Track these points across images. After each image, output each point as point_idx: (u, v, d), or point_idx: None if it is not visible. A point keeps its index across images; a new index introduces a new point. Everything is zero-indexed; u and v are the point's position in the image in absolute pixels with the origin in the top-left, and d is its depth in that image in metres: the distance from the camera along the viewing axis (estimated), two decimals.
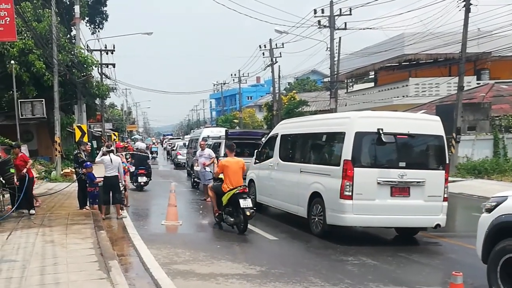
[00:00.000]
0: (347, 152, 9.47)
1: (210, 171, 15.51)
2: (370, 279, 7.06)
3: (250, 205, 10.56)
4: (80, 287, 6.16)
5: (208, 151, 16.50)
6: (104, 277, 6.58)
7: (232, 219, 10.81)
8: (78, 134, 22.01)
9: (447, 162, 10.05)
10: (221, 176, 11.13)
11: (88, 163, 12.81)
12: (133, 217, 12.65)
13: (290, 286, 6.73)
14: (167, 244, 9.37)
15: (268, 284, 6.80)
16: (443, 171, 9.81)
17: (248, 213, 10.34)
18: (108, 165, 12.14)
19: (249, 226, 11.40)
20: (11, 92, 20.56)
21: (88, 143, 15.60)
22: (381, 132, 9.36)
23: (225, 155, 16.22)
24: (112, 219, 12.06)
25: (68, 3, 29.76)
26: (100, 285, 6.25)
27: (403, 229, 10.40)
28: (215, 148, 17.99)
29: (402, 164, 9.58)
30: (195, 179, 20.14)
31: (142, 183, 18.25)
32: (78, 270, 6.92)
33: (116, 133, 48.42)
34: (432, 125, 10.07)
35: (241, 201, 10.50)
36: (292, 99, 44.30)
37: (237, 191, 10.68)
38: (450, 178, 16.83)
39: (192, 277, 7.14)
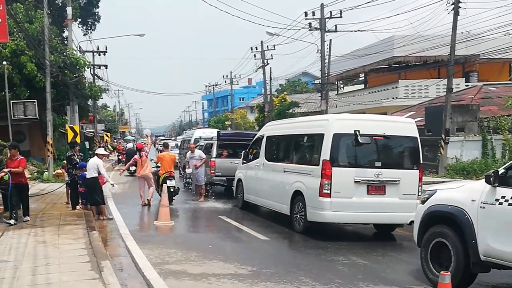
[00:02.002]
0: (325, 153, 9.90)
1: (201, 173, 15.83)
2: (360, 279, 7.16)
3: (173, 184, 14.56)
4: (72, 287, 6.19)
5: (198, 153, 16.60)
6: (96, 277, 6.62)
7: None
8: (70, 135, 21.97)
9: (421, 162, 10.51)
10: (159, 164, 15.44)
11: (83, 163, 13.16)
12: (125, 217, 12.67)
13: (281, 285, 6.80)
14: (159, 244, 9.42)
15: (259, 283, 6.88)
16: (417, 171, 10.31)
17: (172, 190, 14.11)
18: (88, 167, 12.41)
19: (241, 226, 11.63)
20: (3, 93, 20.47)
21: (77, 146, 15.66)
22: (358, 133, 9.78)
23: (218, 155, 16.95)
24: (104, 220, 12.08)
25: (60, 4, 29.66)
26: (92, 285, 6.29)
27: (380, 226, 10.82)
28: (207, 149, 18.05)
29: (378, 164, 10.09)
30: (187, 180, 20.20)
31: (132, 171, 21.11)
32: (70, 271, 6.95)
33: (108, 134, 48.32)
34: (407, 127, 10.59)
35: (168, 181, 14.00)
36: (283, 100, 44.42)
37: (167, 175, 14.57)
38: (439, 179, 17.05)
39: (184, 277, 7.20)
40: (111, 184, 12.38)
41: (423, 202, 7.24)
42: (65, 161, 15.15)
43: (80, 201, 13.01)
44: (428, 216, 6.96)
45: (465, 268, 6.31)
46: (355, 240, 10.48)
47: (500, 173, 6.07)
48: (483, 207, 6.11)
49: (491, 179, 6.05)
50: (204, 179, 16.30)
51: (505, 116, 22.59)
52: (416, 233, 7.24)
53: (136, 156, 15.55)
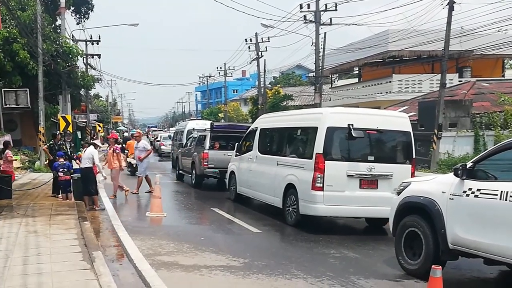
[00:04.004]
0: (319, 146, 9.93)
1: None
2: (351, 272, 7.20)
3: (135, 162, 17.14)
4: (64, 277, 6.15)
5: (143, 143, 16.31)
6: (88, 267, 6.60)
7: None
8: (62, 124, 21.86)
9: (414, 157, 10.61)
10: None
11: (61, 152, 13.39)
12: (117, 208, 12.67)
13: (273, 278, 6.83)
14: (151, 235, 9.43)
15: (251, 276, 6.91)
16: (410, 165, 10.40)
17: (134, 165, 17.89)
18: (83, 157, 12.51)
19: (233, 219, 11.67)
20: None
21: (60, 135, 15.80)
22: (351, 127, 9.80)
23: (211, 147, 17.01)
24: (96, 210, 12.05)
25: None
26: (83, 275, 6.27)
27: (372, 220, 10.87)
28: (200, 140, 18.05)
29: (371, 158, 10.13)
30: (180, 171, 20.21)
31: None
32: (62, 261, 6.93)
33: (101, 124, 48.09)
34: (400, 122, 10.62)
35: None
36: (276, 93, 44.39)
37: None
38: (431, 174, 17.12)
39: (176, 268, 7.21)
40: (103, 177, 12.29)
41: (398, 193, 7.57)
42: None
43: (60, 188, 13.11)
44: (403, 206, 7.32)
45: (434, 256, 6.60)
46: (346, 234, 10.53)
47: (468, 166, 6.36)
48: (452, 199, 6.43)
49: (459, 172, 6.36)
50: (144, 171, 15.89)
51: (498, 112, 22.74)
52: (391, 222, 7.61)
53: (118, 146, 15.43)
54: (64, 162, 13.02)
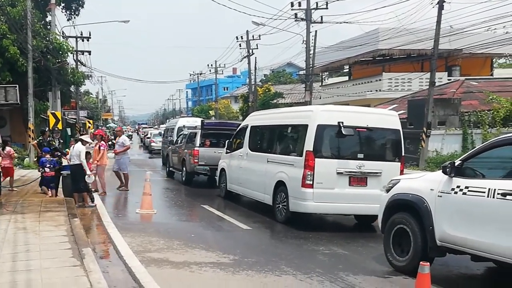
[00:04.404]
0: (309, 143, 9.98)
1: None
2: (340, 269, 7.25)
3: None
4: (53, 274, 6.14)
5: (122, 139, 16.14)
6: (78, 264, 6.59)
7: None
8: (52, 121, 21.74)
9: (403, 154, 10.69)
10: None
11: (47, 148, 13.48)
12: (107, 205, 12.64)
13: (262, 274, 6.87)
14: (141, 232, 9.43)
15: (241, 272, 6.94)
16: (399, 163, 10.48)
17: None
18: (71, 154, 12.43)
19: (223, 216, 11.69)
20: None
21: (47, 131, 15.83)
22: (341, 125, 9.84)
23: (202, 144, 16.94)
24: (87, 207, 12.01)
25: None
26: (73, 272, 6.27)
27: (361, 217, 10.96)
28: (191, 138, 18.04)
29: (361, 155, 10.20)
30: (171, 169, 20.19)
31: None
32: (51, 257, 6.91)
33: (91, 121, 47.80)
34: (390, 120, 10.72)
35: None
36: (267, 91, 44.41)
37: None
38: (420, 171, 17.24)
39: (166, 265, 7.22)
40: (88, 175, 12.12)
41: (387, 190, 7.65)
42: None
43: (42, 183, 13.16)
44: (392, 204, 7.41)
45: (422, 253, 6.67)
46: (336, 231, 10.60)
47: (456, 164, 6.43)
48: (440, 196, 6.51)
49: (448, 170, 6.44)
50: (127, 167, 15.80)
51: (486, 111, 22.94)
52: (380, 219, 7.69)
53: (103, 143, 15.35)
54: (51, 158, 13.08)
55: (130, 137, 56.68)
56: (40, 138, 15.07)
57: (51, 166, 12.94)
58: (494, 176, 6.18)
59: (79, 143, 12.52)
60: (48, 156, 13.13)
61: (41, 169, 13.15)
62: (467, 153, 6.76)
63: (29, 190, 13.89)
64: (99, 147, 14.62)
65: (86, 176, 12.02)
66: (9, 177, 13.92)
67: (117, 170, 15.65)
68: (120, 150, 15.64)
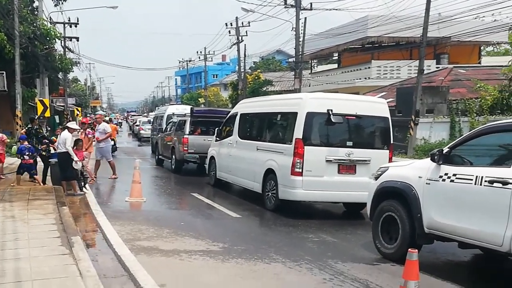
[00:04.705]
0: (298, 131, 9.99)
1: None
2: (329, 256, 7.30)
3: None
4: (42, 262, 6.11)
5: (103, 126, 15.86)
6: (67, 252, 6.56)
7: None
8: (40, 108, 21.57)
9: (392, 142, 10.73)
10: None
11: (23, 136, 13.66)
12: (96, 193, 12.60)
13: (252, 262, 6.90)
14: (130, 220, 9.41)
15: (230, 260, 6.97)
16: (388, 151, 10.54)
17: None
18: (58, 142, 12.41)
19: (213, 204, 11.69)
20: None
21: (36, 119, 15.79)
22: (330, 112, 9.86)
23: (191, 132, 16.95)
24: (76, 195, 11.94)
25: None
26: (62, 260, 6.24)
27: (350, 205, 11.03)
28: (180, 125, 17.97)
29: (350, 143, 10.24)
30: (160, 157, 20.14)
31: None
32: (40, 246, 6.87)
33: (79, 108, 47.49)
34: (378, 107, 10.75)
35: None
36: (256, 78, 44.31)
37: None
38: (408, 159, 17.37)
39: (156, 253, 7.22)
40: (74, 161, 12.04)
41: (376, 178, 7.69)
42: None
43: (19, 171, 13.02)
44: (380, 191, 7.46)
45: (410, 240, 6.74)
46: (325, 218, 10.66)
47: (444, 152, 6.49)
48: (429, 183, 6.55)
49: (436, 157, 6.49)
50: (110, 155, 15.75)
51: (473, 99, 23.08)
52: (369, 207, 7.74)
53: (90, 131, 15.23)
54: (29, 145, 13.07)
55: (120, 124, 56.61)
56: (29, 126, 14.94)
57: (30, 153, 12.87)
58: (481, 163, 6.23)
59: (66, 130, 12.45)
60: (26, 143, 13.11)
61: (20, 156, 13.07)
62: (455, 141, 6.81)
63: (17, 178, 13.76)
64: (86, 134, 14.50)
65: (74, 162, 11.93)
66: None
67: (100, 159, 15.49)
68: (102, 138, 15.37)
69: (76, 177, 12.21)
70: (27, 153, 12.76)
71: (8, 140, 13.00)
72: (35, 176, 12.97)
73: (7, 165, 15.95)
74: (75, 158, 11.97)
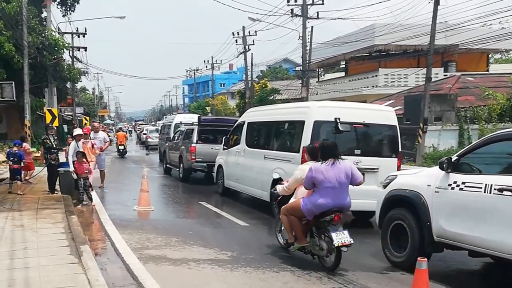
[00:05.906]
0: (306, 140, 9.92)
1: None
2: (339, 266, 7.26)
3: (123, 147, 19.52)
4: (51, 272, 6.13)
5: (103, 135, 15.88)
6: (76, 261, 6.58)
7: None
8: (48, 117, 21.69)
9: (400, 150, 10.68)
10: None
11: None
12: (105, 202, 12.63)
13: (260, 271, 6.87)
14: (139, 229, 9.42)
15: (239, 269, 6.95)
16: (396, 159, 10.50)
17: (121, 150, 22.80)
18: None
19: (221, 212, 11.70)
20: None
21: (54, 128, 15.89)
22: (338, 121, 9.82)
23: (198, 142, 16.92)
24: (84, 204, 11.95)
25: None
26: (71, 269, 6.26)
27: (359, 213, 10.85)
28: (188, 134, 18.02)
29: (358, 151, 10.18)
30: (168, 165, 20.18)
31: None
32: (49, 255, 6.90)
33: (87, 118, 47.74)
34: (386, 116, 10.68)
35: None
36: (264, 86, 44.38)
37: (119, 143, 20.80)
38: (416, 167, 17.30)
39: (164, 262, 7.22)
40: (71, 172, 11.97)
41: (384, 186, 7.68)
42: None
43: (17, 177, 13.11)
44: (389, 200, 7.44)
45: (420, 248, 6.69)
46: None
47: (453, 160, 6.46)
48: (437, 192, 6.52)
49: (445, 165, 6.46)
50: (105, 164, 15.75)
51: (482, 106, 22.99)
52: (377, 215, 7.74)
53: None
54: (16, 151, 13.24)
55: (130, 132, 57.38)
56: (44, 136, 14.74)
57: (14, 159, 13.02)
58: (491, 171, 6.19)
59: (74, 140, 12.56)
60: (15, 148, 13.35)
61: (9, 162, 13.34)
62: (464, 149, 6.77)
63: (25, 188, 13.85)
64: (93, 145, 14.48)
65: (71, 171, 11.95)
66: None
67: (104, 169, 15.48)
68: (105, 147, 15.53)
69: (76, 188, 12.09)
70: (11, 159, 12.99)
71: (31, 150, 13.41)
72: (17, 182, 12.93)
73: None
74: (71, 169, 11.95)
